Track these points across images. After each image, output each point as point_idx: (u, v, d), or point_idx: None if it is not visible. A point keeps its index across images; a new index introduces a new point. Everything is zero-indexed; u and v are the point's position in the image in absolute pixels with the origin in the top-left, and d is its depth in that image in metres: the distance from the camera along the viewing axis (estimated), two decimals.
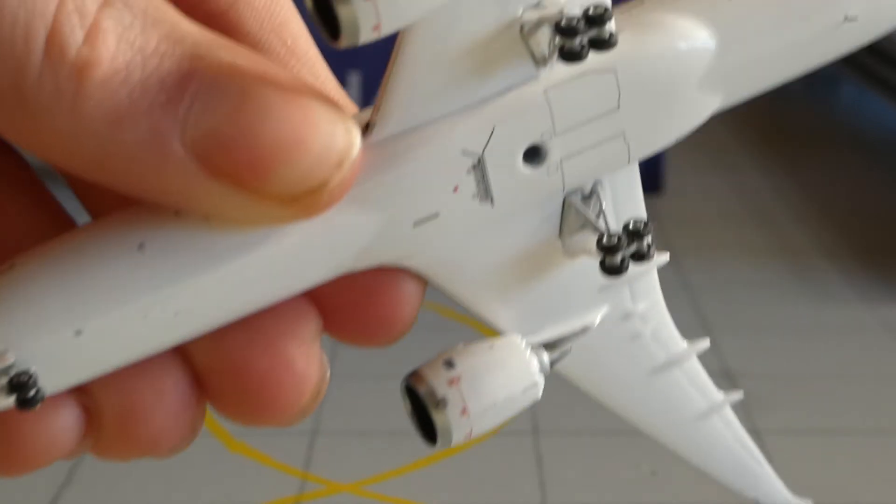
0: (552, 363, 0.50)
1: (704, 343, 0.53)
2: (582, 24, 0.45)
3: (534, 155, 0.47)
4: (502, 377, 0.48)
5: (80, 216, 0.50)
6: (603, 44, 0.45)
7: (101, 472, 1.00)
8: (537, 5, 0.46)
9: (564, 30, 0.45)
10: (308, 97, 0.43)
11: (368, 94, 1.86)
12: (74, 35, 0.39)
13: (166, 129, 0.40)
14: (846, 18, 0.53)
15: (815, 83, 2.58)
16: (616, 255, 0.47)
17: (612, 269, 0.48)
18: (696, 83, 0.51)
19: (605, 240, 0.47)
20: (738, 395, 0.53)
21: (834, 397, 1.20)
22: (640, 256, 0.48)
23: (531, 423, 1.08)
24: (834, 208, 1.90)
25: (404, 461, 1.03)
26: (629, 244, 0.48)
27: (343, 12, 0.39)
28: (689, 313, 1.38)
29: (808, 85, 2.56)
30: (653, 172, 1.84)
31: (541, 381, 0.48)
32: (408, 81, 0.46)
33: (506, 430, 1.09)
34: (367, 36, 0.40)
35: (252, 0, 0.51)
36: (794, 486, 1.06)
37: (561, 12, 0.45)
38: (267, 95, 0.42)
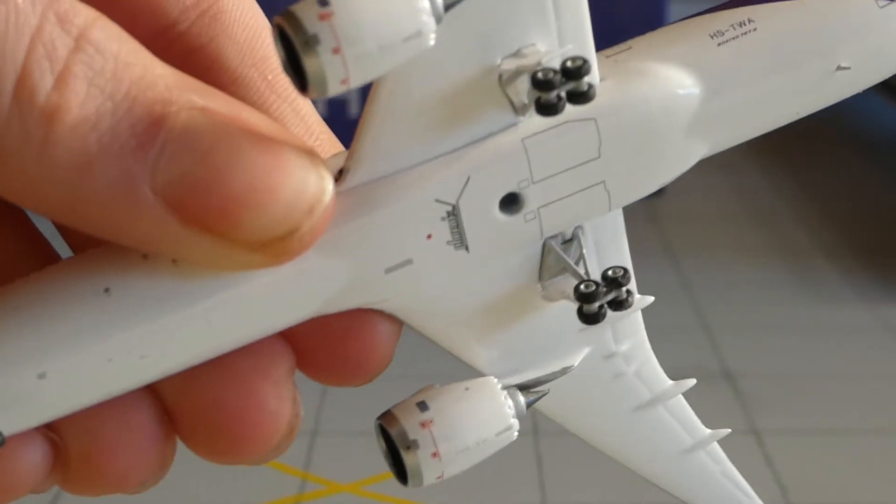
0: (529, 404, 0.49)
1: (690, 382, 0.53)
2: (559, 78, 0.44)
3: (511, 202, 0.47)
4: (476, 422, 0.47)
5: (63, 248, 0.49)
6: (581, 97, 0.44)
7: None
8: (516, 54, 0.45)
9: (541, 83, 0.44)
10: (280, 143, 0.42)
11: (368, 95, 1.86)
12: (44, 80, 0.39)
13: (136, 174, 0.40)
14: (839, 68, 0.52)
15: None
16: (593, 304, 0.47)
17: (589, 318, 0.47)
18: (681, 132, 0.50)
19: (582, 287, 0.47)
20: (725, 432, 0.52)
21: (834, 397, 1.20)
22: (618, 304, 0.48)
23: (531, 423, 1.08)
24: (834, 208, 1.90)
25: None
26: (607, 292, 0.47)
27: (310, 65, 0.39)
28: (689, 313, 1.38)
29: None
30: None
31: (516, 424, 0.48)
32: (381, 129, 0.45)
33: None
34: (335, 89, 0.40)
35: (233, 34, 0.51)
36: (795, 486, 1.06)
37: (539, 63, 0.44)
38: (238, 140, 0.41)
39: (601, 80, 0.48)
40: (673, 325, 1.33)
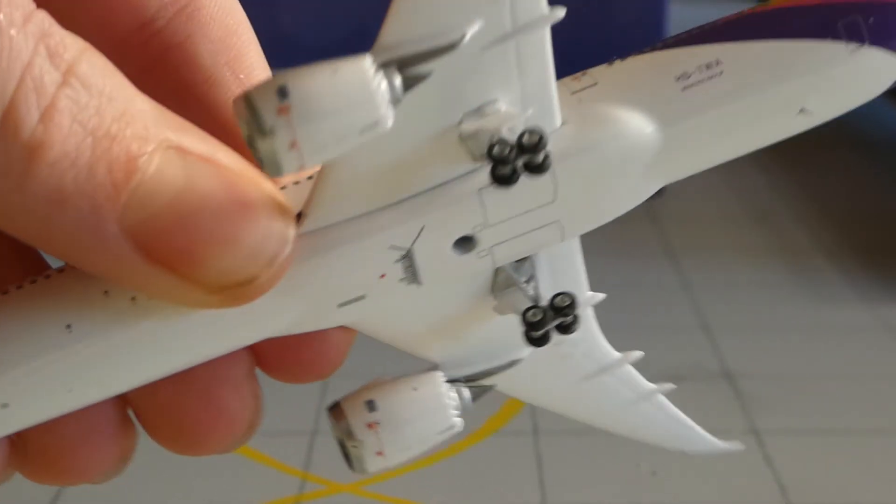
0: (475, 398, 0.51)
1: (637, 354, 0.54)
2: (514, 154, 0.45)
3: (465, 242, 0.48)
4: (421, 424, 0.49)
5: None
6: (537, 168, 0.45)
7: None
8: (478, 111, 0.46)
9: (497, 158, 0.45)
10: (249, 189, 0.43)
11: None
12: (30, 115, 0.40)
13: (106, 213, 0.41)
14: (802, 111, 0.53)
15: None
16: (538, 330, 0.48)
17: (535, 342, 0.49)
18: (638, 174, 0.51)
19: (529, 315, 0.48)
20: (670, 387, 0.53)
21: (834, 397, 1.20)
22: (564, 328, 0.49)
23: (531, 423, 1.08)
24: (834, 208, 1.90)
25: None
26: (553, 318, 0.49)
27: (266, 154, 0.41)
28: (689, 313, 1.38)
29: None
30: None
31: (459, 423, 0.49)
32: (339, 180, 0.46)
33: (506, 430, 1.09)
34: (291, 171, 0.41)
35: (209, 32, 0.52)
36: (795, 486, 1.06)
37: (498, 129, 0.45)
38: (208, 186, 0.42)
39: (563, 123, 0.48)
40: (673, 325, 1.33)
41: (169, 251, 0.42)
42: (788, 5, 0.53)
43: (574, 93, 0.50)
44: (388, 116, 0.42)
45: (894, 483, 1.02)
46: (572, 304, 0.49)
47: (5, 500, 0.95)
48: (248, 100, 0.41)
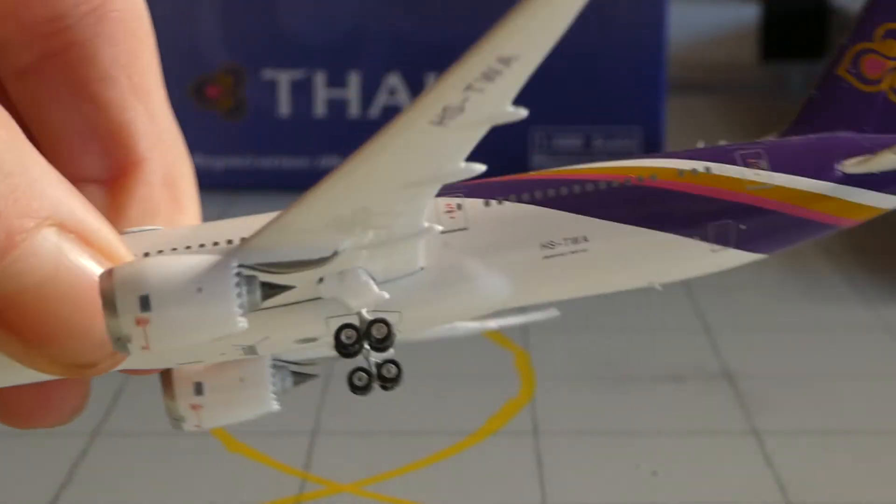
0: (296, 384, 0.56)
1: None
2: (359, 343, 0.51)
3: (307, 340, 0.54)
4: (240, 410, 0.54)
5: None
6: (378, 348, 0.52)
7: (101, 471, 1.00)
8: (340, 276, 0.50)
9: (341, 344, 0.51)
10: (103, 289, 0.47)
11: (368, 94, 1.86)
12: None
13: None
14: (649, 284, 0.59)
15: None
16: (349, 350, 0.53)
17: (345, 356, 0.54)
18: (480, 315, 0.57)
19: (343, 337, 0.53)
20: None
21: (834, 397, 1.20)
22: (376, 348, 0.54)
23: (531, 423, 1.08)
24: None
25: (404, 461, 1.03)
26: (365, 340, 0.54)
27: (118, 348, 0.46)
28: (689, 313, 1.38)
29: (808, 84, 2.56)
30: None
31: (276, 406, 0.55)
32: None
33: (506, 430, 1.08)
34: (137, 356, 0.47)
35: (113, 34, 0.56)
36: (795, 486, 1.05)
37: (350, 310, 0.51)
38: (74, 276, 0.46)
39: (421, 268, 0.53)
40: (673, 325, 1.33)
41: (25, 326, 0.46)
42: (668, 188, 0.56)
43: (444, 232, 0.53)
44: (243, 325, 0.47)
45: (894, 483, 1.02)
46: (389, 337, 0.52)
47: (5, 500, 0.95)
48: (107, 298, 0.46)
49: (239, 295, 0.47)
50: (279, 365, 0.55)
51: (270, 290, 0.50)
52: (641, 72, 1.84)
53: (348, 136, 1.88)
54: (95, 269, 0.47)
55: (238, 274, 0.47)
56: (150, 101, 0.57)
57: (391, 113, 1.87)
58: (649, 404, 1.14)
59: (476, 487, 0.99)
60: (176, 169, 0.58)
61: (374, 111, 1.87)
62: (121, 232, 0.55)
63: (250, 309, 0.48)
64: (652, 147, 1.84)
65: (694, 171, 0.58)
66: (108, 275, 0.44)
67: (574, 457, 1.04)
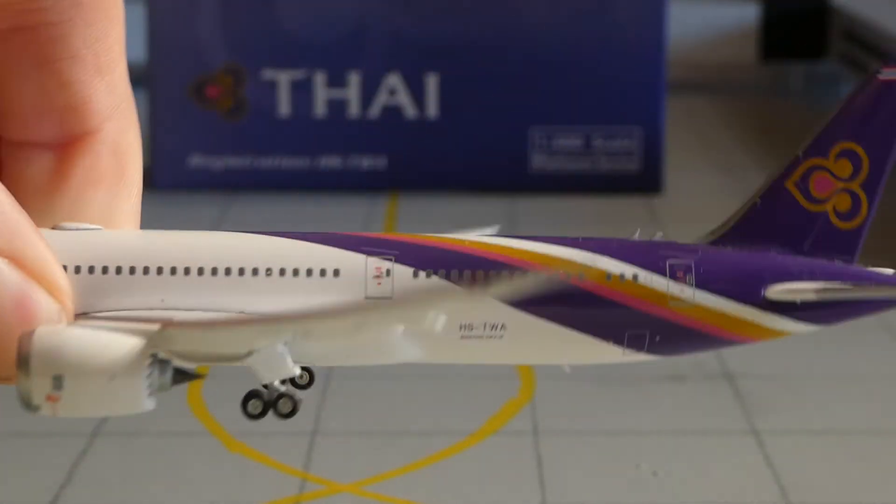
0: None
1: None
2: (264, 409, 0.55)
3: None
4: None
5: None
6: (286, 417, 0.56)
7: (101, 471, 1.00)
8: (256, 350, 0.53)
9: (246, 413, 0.55)
10: (36, 309, 0.49)
11: (369, 94, 1.86)
12: None
13: None
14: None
15: (815, 83, 2.58)
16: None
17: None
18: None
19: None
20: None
21: (834, 397, 1.20)
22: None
23: (531, 423, 1.08)
24: None
25: (404, 461, 1.03)
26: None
27: (23, 401, 0.49)
28: None
29: (808, 84, 2.56)
30: (653, 172, 1.84)
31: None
32: None
33: (506, 430, 1.08)
34: (46, 410, 0.49)
35: (86, 17, 0.57)
36: (795, 486, 1.05)
37: (262, 379, 0.54)
38: (11, 310, 0.49)
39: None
40: None
41: None
42: (594, 291, 0.59)
43: (368, 298, 0.56)
44: (150, 406, 0.51)
45: (894, 483, 1.02)
46: (295, 408, 0.56)
47: (5, 499, 0.95)
48: (22, 361, 0.48)
49: (149, 377, 0.51)
50: (162, 359, 0.55)
51: (182, 375, 0.54)
52: (641, 72, 1.84)
53: (349, 135, 1.88)
54: (26, 273, 0.49)
55: (153, 356, 0.50)
56: (111, 76, 0.58)
57: (391, 113, 1.87)
58: (649, 404, 1.14)
59: (476, 487, 0.99)
60: (124, 139, 0.59)
61: (374, 111, 1.87)
62: (55, 226, 0.56)
63: (160, 391, 0.52)
64: (652, 147, 1.84)
65: (622, 278, 0.62)
66: (28, 338, 0.47)
67: (574, 457, 1.04)
